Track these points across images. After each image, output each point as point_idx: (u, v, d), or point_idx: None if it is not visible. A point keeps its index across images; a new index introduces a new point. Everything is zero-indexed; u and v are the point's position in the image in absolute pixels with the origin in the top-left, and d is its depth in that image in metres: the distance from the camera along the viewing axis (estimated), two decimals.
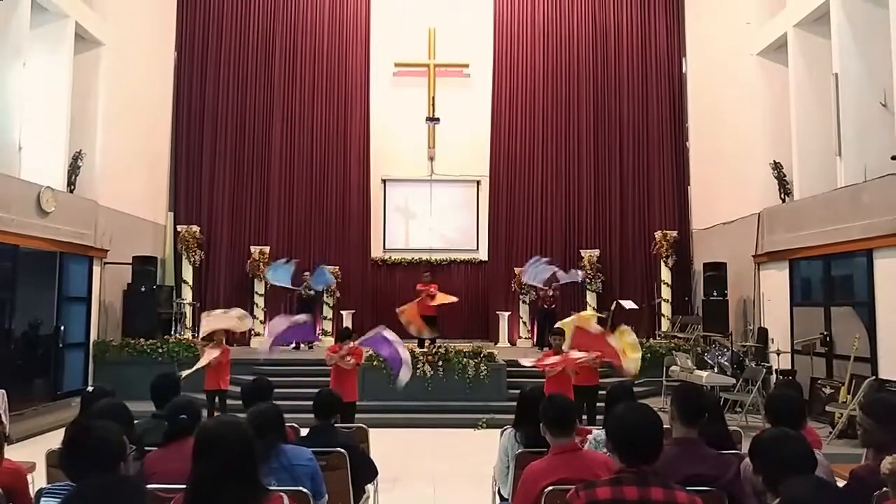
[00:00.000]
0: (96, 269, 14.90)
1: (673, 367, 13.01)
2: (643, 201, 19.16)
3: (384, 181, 20.01)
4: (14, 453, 4.22)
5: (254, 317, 18.13)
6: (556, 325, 10.53)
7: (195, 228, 18.09)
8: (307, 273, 17.08)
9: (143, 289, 15.71)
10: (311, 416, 5.54)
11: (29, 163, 12.92)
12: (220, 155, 18.96)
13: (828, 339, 12.43)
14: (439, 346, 14.07)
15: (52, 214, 13.02)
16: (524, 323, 18.63)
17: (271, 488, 3.91)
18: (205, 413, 6.56)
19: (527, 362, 10.06)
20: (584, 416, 10.19)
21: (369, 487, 5.86)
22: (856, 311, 11.86)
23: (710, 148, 17.92)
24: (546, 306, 17.36)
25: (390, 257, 19.69)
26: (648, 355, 14.53)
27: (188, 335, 16.64)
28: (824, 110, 12.96)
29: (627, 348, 8.92)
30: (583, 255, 18.56)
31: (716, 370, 12.83)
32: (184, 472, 3.10)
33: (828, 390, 11.75)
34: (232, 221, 18.90)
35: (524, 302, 18.50)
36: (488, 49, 19.67)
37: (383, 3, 19.95)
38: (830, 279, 12.83)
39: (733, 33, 16.27)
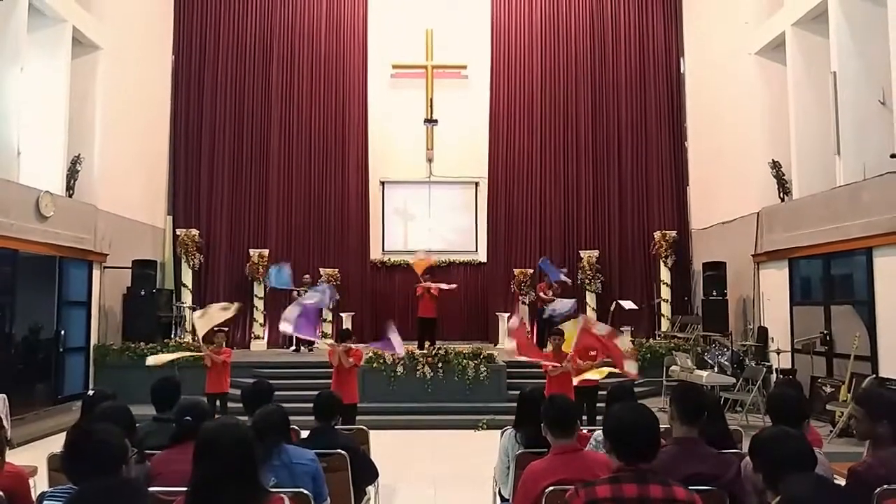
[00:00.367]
0: (96, 274, 14.91)
1: (673, 367, 13.02)
2: (642, 201, 19.16)
3: (383, 183, 20.01)
4: (15, 457, 4.23)
5: (253, 319, 18.19)
6: (556, 327, 10.53)
7: (194, 232, 18.09)
8: (307, 276, 17.12)
9: (142, 293, 15.71)
10: (312, 418, 5.55)
11: (27, 167, 12.93)
12: (218, 158, 18.98)
13: (828, 337, 12.43)
14: (439, 348, 14.08)
15: (52, 219, 13.02)
16: (524, 324, 18.58)
17: (271, 486, 3.93)
18: None
19: (508, 348, 9.97)
20: (585, 417, 10.21)
21: (370, 489, 5.87)
22: (856, 310, 11.86)
23: (708, 147, 17.93)
24: (545, 307, 17.34)
25: (389, 259, 19.68)
26: (648, 355, 14.61)
27: (188, 338, 16.64)
28: (823, 109, 12.97)
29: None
30: (582, 255, 18.56)
31: (716, 370, 12.82)
32: (188, 473, 3.11)
33: (828, 389, 11.74)
34: (231, 224, 18.91)
35: (523, 303, 18.49)
36: (486, 50, 19.68)
37: (380, 5, 19.94)
38: (830, 278, 12.83)
39: (731, 32, 16.28)
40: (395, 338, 9.29)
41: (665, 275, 18.05)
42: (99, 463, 3.06)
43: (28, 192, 12.58)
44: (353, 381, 9.93)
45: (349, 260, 18.82)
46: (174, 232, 18.37)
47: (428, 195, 19.98)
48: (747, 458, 3.73)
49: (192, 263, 17.92)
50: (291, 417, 4.80)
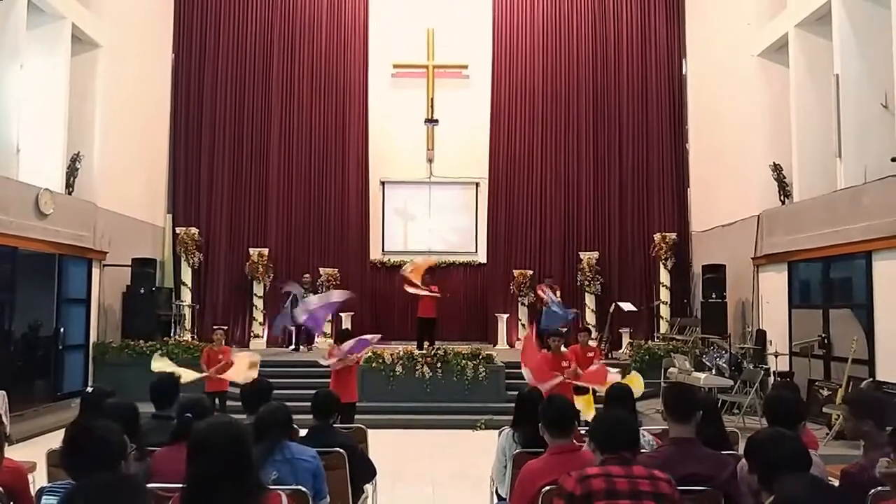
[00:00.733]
0: (95, 271, 14.92)
1: (671, 369, 13.04)
2: (642, 203, 19.16)
3: (383, 183, 20.01)
4: (15, 454, 4.23)
5: (253, 318, 18.20)
6: (557, 329, 10.57)
7: (194, 230, 18.09)
8: (306, 275, 17.14)
9: (142, 291, 15.73)
10: (310, 416, 5.55)
11: (27, 165, 12.94)
12: (218, 157, 18.98)
13: (826, 341, 12.44)
14: (438, 348, 14.10)
15: (51, 216, 13.03)
16: (523, 325, 18.61)
17: (273, 481, 3.94)
18: None
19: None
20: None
21: (368, 487, 5.88)
22: (854, 314, 11.86)
23: (709, 149, 17.93)
24: (545, 308, 17.33)
25: (389, 259, 19.65)
26: (647, 357, 14.63)
27: (187, 337, 16.67)
28: (824, 111, 12.96)
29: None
30: (581, 257, 18.57)
31: (714, 372, 12.83)
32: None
33: (825, 392, 11.74)
34: (230, 223, 18.91)
35: (523, 304, 18.50)
36: (487, 50, 19.68)
37: (381, 5, 19.94)
38: (829, 281, 12.84)
39: (734, 34, 16.27)
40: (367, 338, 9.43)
41: (664, 277, 18.05)
42: (98, 459, 3.06)
43: (27, 189, 12.59)
44: (352, 380, 9.95)
45: (349, 260, 18.82)
46: (174, 230, 18.37)
47: (428, 195, 19.97)
48: (743, 459, 3.75)
49: (191, 262, 17.92)
50: None
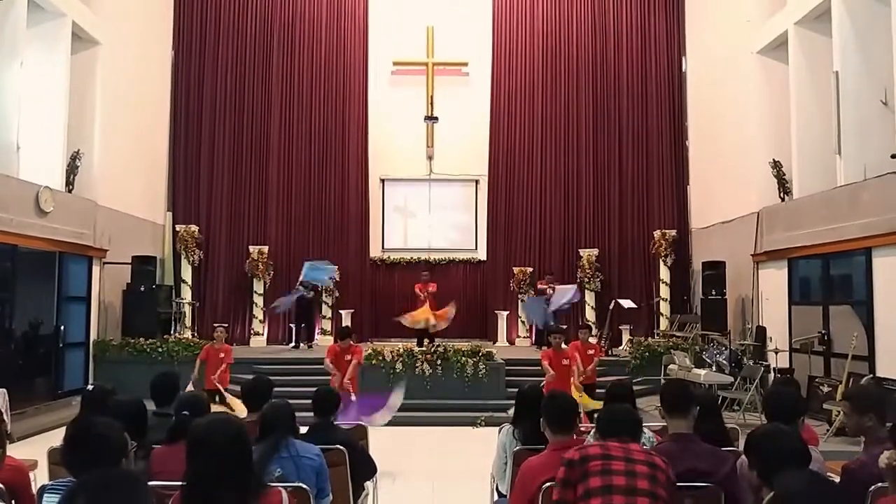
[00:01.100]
0: (95, 269, 14.92)
1: (671, 366, 13.05)
2: (642, 200, 19.16)
3: (383, 180, 19.99)
4: (16, 452, 4.24)
5: (253, 316, 18.21)
6: (557, 326, 10.60)
7: (194, 228, 18.09)
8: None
9: (142, 288, 15.73)
10: (311, 414, 5.56)
11: (27, 163, 12.92)
12: (218, 154, 18.98)
13: (826, 337, 12.46)
14: (438, 345, 14.10)
15: (51, 214, 13.03)
16: (523, 322, 18.64)
17: (276, 477, 3.95)
18: None
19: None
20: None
21: (368, 484, 5.88)
22: (854, 310, 11.88)
23: (709, 146, 17.93)
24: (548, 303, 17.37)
25: (389, 257, 19.67)
26: (647, 354, 14.64)
27: (187, 334, 16.68)
28: (824, 109, 12.96)
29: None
30: (581, 254, 18.57)
31: (714, 369, 12.82)
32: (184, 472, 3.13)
33: (825, 389, 11.76)
34: (230, 221, 18.91)
35: (523, 301, 18.49)
36: (487, 48, 19.67)
37: (381, 2, 19.91)
38: (829, 278, 12.86)
39: (733, 31, 16.26)
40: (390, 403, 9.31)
41: (664, 274, 18.05)
42: (99, 456, 3.07)
43: (28, 187, 12.59)
44: (352, 379, 9.95)
45: (349, 257, 18.82)
46: (174, 228, 18.36)
47: (428, 193, 19.95)
48: (743, 455, 3.76)
49: (191, 259, 17.92)
50: None
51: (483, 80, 19.76)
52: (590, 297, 18.38)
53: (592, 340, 12.67)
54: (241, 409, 10.18)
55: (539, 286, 17.52)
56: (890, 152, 10.95)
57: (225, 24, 19.25)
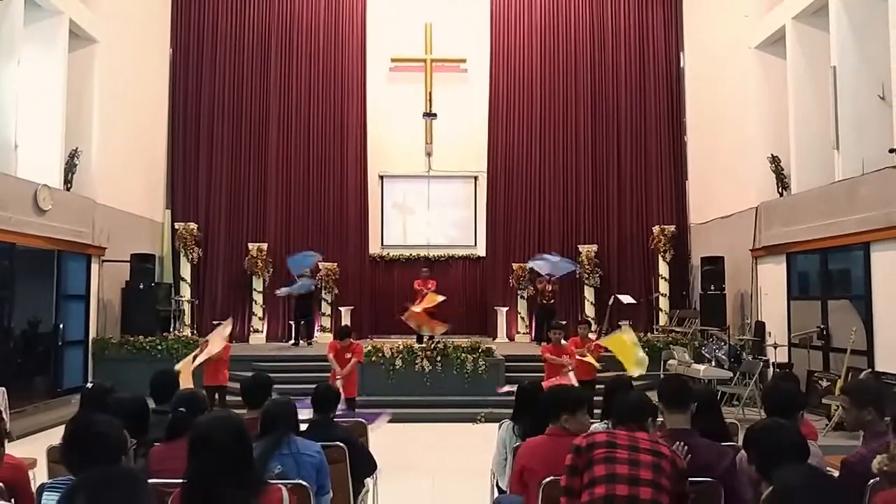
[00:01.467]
0: (94, 267, 14.92)
1: (671, 361, 13.07)
2: (641, 196, 19.18)
3: (382, 177, 19.98)
4: (15, 450, 4.24)
5: (252, 313, 18.20)
6: (557, 321, 10.63)
7: (193, 226, 18.09)
8: (306, 269, 17.13)
9: (141, 286, 15.72)
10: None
11: (25, 161, 12.90)
12: (216, 152, 18.98)
13: (825, 332, 12.47)
14: (438, 342, 14.10)
15: (50, 212, 13.02)
16: (522, 318, 18.65)
17: (277, 474, 3.96)
18: None
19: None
20: None
21: (368, 481, 5.88)
22: (853, 305, 11.91)
23: (707, 142, 17.94)
24: (544, 301, 17.40)
25: (388, 253, 19.67)
26: (647, 349, 14.58)
27: (187, 332, 16.68)
28: (822, 103, 12.98)
29: (629, 351, 9.33)
30: (581, 249, 18.57)
31: (713, 364, 12.85)
32: (182, 471, 3.13)
33: (824, 383, 11.77)
34: (229, 218, 18.91)
35: (522, 297, 18.52)
36: (485, 44, 19.67)
37: None
38: (827, 273, 12.88)
39: (731, 26, 16.27)
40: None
41: (663, 269, 18.06)
42: (98, 454, 3.07)
43: (26, 185, 12.58)
44: (352, 376, 9.95)
45: (348, 254, 18.84)
46: (173, 226, 18.37)
47: (427, 189, 19.93)
48: (743, 450, 3.77)
49: (190, 257, 17.91)
50: None
51: (482, 76, 19.75)
52: (589, 293, 18.39)
53: (592, 336, 12.65)
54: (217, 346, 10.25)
55: (538, 283, 17.54)
56: (888, 147, 10.94)
57: (223, 22, 19.25)
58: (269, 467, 4.14)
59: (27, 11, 12.95)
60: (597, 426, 5.01)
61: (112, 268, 15.40)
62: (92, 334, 14.83)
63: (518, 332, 18.67)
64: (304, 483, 4.19)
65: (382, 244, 19.87)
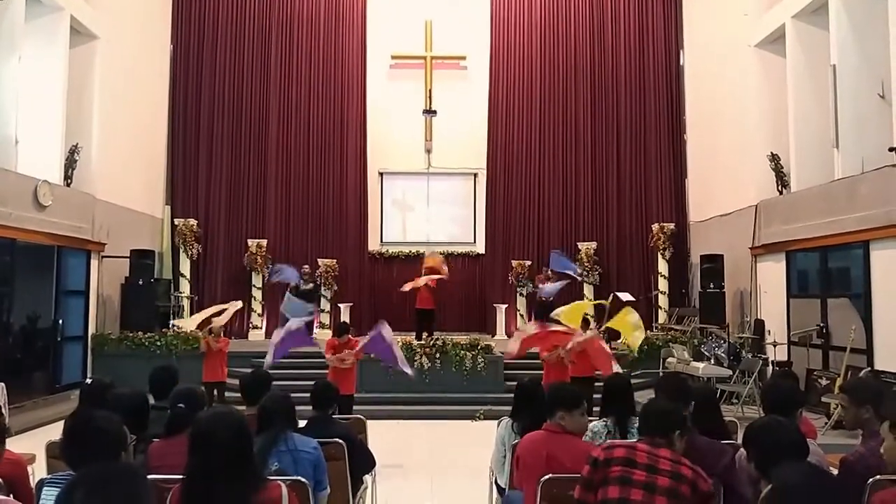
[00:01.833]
0: (94, 263, 14.93)
1: (670, 359, 13.07)
2: (640, 193, 19.18)
3: (381, 174, 19.99)
4: (13, 446, 4.24)
5: (252, 310, 18.20)
6: (552, 315, 10.57)
7: (192, 222, 18.09)
8: (306, 267, 17.13)
9: (140, 282, 15.73)
10: (309, 407, 5.56)
11: (25, 157, 12.92)
12: (216, 148, 18.98)
13: (824, 330, 12.47)
14: (437, 339, 14.11)
15: (50, 208, 13.02)
16: (521, 315, 18.64)
17: (274, 471, 3.96)
18: None
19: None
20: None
21: (367, 478, 5.89)
22: (852, 303, 11.90)
23: (707, 140, 17.93)
24: (543, 298, 17.37)
25: (388, 250, 19.66)
26: (646, 347, 14.63)
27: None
28: (822, 102, 12.97)
29: (630, 328, 9.38)
30: (580, 247, 18.57)
31: (712, 362, 12.86)
32: (181, 467, 3.14)
33: (824, 381, 11.76)
34: (229, 215, 18.92)
35: (521, 294, 18.52)
36: (485, 41, 19.66)
37: None
38: (827, 271, 12.87)
39: (731, 25, 16.25)
40: (397, 351, 9.34)
41: (663, 267, 18.05)
42: (98, 449, 3.08)
43: (26, 181, 12.59)
44: (350, 373, 9.93)
45: (347, 251, 18.84)
46: (172, 222, 18.36)
47: (426, 186, 19.92)
48: (742, 449, 3.77)
49: (190, 253, 17.91)
50: None
51: (481, 73, 19.75)
52: (588, 291, 18.38)
53: (590, 333, 12.62)
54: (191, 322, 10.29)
55: (537, 280, 17.54)
56: (887, 145, 10.92)
57: (223, 18, 19.24)
58: (266, 464, 4.15)
59: (28, 8, 12.96)
60: (596, 424, 5.02)
61: (112, 264, 15.41)
62: (91, 330, 14.84)
63: (517, 329, 18.59)
64: (303, 480, 4.20)
65: (382, 241, 19.87)
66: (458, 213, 20.24)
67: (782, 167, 14.62)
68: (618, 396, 5.26)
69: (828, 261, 12.80)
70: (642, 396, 11.23)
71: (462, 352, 13.44)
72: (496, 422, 6.03)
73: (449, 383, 13.23)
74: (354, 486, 5.39)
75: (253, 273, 18.15)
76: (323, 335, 16.58)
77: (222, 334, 11.32)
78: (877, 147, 11.39)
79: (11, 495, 3.97)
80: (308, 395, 5.60)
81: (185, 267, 17.95)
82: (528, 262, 18.50)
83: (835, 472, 4.07)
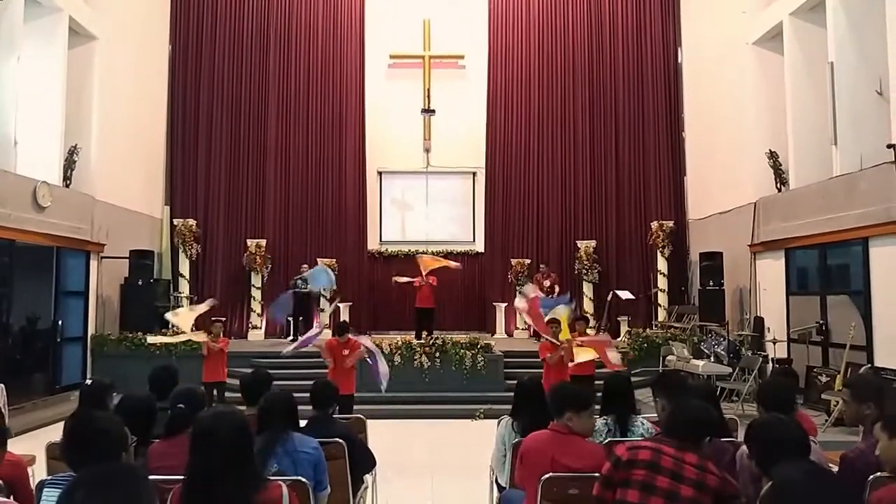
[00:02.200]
0: (93, 264, 14.92)
1: (669, 357, 13.07)
2: (639, 191, 19.19)
3: (380, 173, 19.99)
4: (13, 447, 4.23)
5: (251, 310, 18.20)
6: (552, 317, 10.55)
7: (192, 222, 18.09)
8: (304, 266, 17.11)
9: (140, 282, 15.73)
10: (310, 407, 5.56)
11: (24, 158, 12.93)
12: (215, 148, 18.99)
13: (824, 327, 12.48)
14: (436, 338, 14.12)
15: (49, 209, 13.02)
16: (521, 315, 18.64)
17: (273, 473, 3.96)
18: None
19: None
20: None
21: (367, 478, 5.88)
22: (851, 300, 11.91)
23: (705, 137, 17.93)
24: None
25: (387, 249, 19.65)
26: (645, 345, 14.66)
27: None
28: (820, 99, 12.98)
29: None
30: (579, 245, 18.57)
31: (712, 359, 12.87)
32: (181, 468, 3.14)
33: (824, 378, 11.77)
34: (228, 215, 18.92)
35: (520, 293, 18.48)
36: (483, 40, 19.67)
37: None
38: (826, 268, 12.88)
39: (728, 22, 16.26)
40: (381, 365, 9.57)
41: (662, 265, 18.04)
42: (99, 450, 3.08)
43: (25, 182, 12.58)
44: (350, 372, 9.94)
45: (346, 250, 18.84)
46: (171, 222, 18.35)
47: (425, 185, 19.94)
48: (743, 447, 3.77)
49: (189, 253, 17.91)
50: None
51: (480, 72, 19.75)
52: (588, 289, 18.38)
53: (591, 332, 12.66)
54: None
55: (536, 280, 17.55)
56: (885, 142, 10.92)
57: (222, 19, 19.24)
58: (267, 465, 4.15)
59: (27, 8, 12.96)
60: (596, 422, 5.01)
61: (111, 264, 15.41)
62: (91, 331, 14.84)
63: (517, 328, 18.65)
64: (304, 480, 4.20)
65: (381, 240, 19.86)
66: (457, 212, 20.23)
67: (781, 164, 14.63)
68: (618, 395, 5.27)
69: (827, 258, 12.81)
70: (642, 395, 11.26)
71: (462, 351, 13.44)
72: (496, 421, 6.03)
73: (449, 382, 13.22)
74: (355, 486, 5.39)
75: (252, 273, 18.13)
76: (323, 336, 16.61)
77: (222, 334, 11.32)
78: (875, 144, 11.40)
79: (12, 497, 3.98)
80: (307, 395, 5.60)
81: (185, 267, 17.95)
82: (528, 261, 18.49)
83: (835, 469, 4.08)
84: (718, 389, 11.63)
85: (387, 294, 18.88)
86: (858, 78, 12.30)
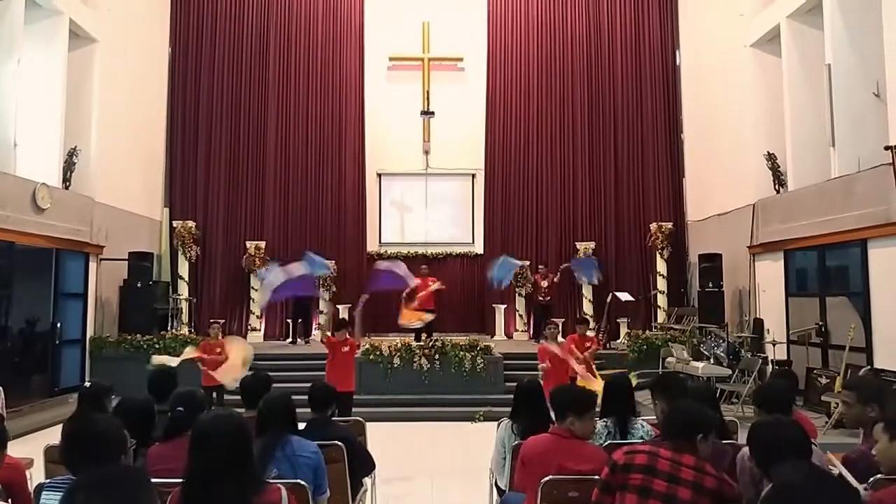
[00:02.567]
0: (92, 266, 14.92)
1: (669, 359, 13.08)
2: (638, 193, 19.19)
3: (379, 175, 19.98)
4: (12, 450, 4.23)
5: (250, 311, 18.19)
6: (552, 319, 10.60)
7: (191, 224, 18.09)
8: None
9: (139, 284, 15.70)
10: (308, 409, 5.55)
11: (24, 160, 12.92)
12: (215, 150, 18.98)
13: (823, 329, 12.47)
14: (436, 340, 14.12)
15: (48, 211, 13.02)
16: (520, 316, 18.65)
17: (273, 477, 3.95)
18: None
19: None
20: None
21: (367, 480, 5.88)
22: (851, 301, 11.90)
23: (704, 139, 17.94)
24: (542, 298, 17.41)
25: (386, 251, 19.59)
26: (645, 347, 14.66)
27: (184, 331, 16.65)
28: (818, 101, 12.99)
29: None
30: (578, 247, 18.57)
31: (712, 361, 12.87)
32: (180, 471, 3.13)
33: (823, 380, 11.76)
34: (227, 217, 18.90)
35: (520, 295, 18.52)
36: (482, 43, 19.68)
37: None
38: (825, 269, 12.88)
39: (726, 25, 16.27)
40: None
41: (661, 266, 18.06)
42: (98, 453, 3.07)
43: (25, 184, 12.58)
44: (349, 369, 9.93)
45: (346, 252, 18.84)
46: (171, 224, 18.35)
47: (425, 187, 19.92)
48: (744, 449, 3.77)
49: (188, 255, 17.90)
50: None
51: (479, 74, 19.76)
52: (587, 291, 18.37)
53: (590, 334, 12.67)
54: (229, 370, 10.20)
55: (534, 278, 17.60)
56: (883, 144, 10.90)
57: (221, 21, 19.24)
58: (266, 470, 4.14)
59: (27, 11, 12.97)
60: (597, 424, 5.01)
61: (110, 266, 15.40)
62: (90, 333, 14.83)
63: (516, 330, 18.67)
64: (303, 483, 4.20)
65: (380, 242, 19.85)
66: (457, 214, 20.22)
67: (779, 166, 14.63)
68: (618, 397, 5.27)
69: (826, 259, 12.81)
70: (642, 397, 11.28)
71: (461, 353, 13.44)
72: (496, 423, 6.03)
73: (448, 385, 13.22)
74: (354, 489, 5.39)
75: (251, 275, 18.11)
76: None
77: (220, 336, 11.31)
78: (873, 145, 11.38)
79: (10, 500, 3.98)
80: (306, 397, 5.59)
81: (184, 269, 17.94)
82: (527, 262, 18.48)
83: (836, 471, 4.07)
84: (718, 391, 11.64)
85: (386, 296, 18.75)
86: (856, 80, 12.30)
